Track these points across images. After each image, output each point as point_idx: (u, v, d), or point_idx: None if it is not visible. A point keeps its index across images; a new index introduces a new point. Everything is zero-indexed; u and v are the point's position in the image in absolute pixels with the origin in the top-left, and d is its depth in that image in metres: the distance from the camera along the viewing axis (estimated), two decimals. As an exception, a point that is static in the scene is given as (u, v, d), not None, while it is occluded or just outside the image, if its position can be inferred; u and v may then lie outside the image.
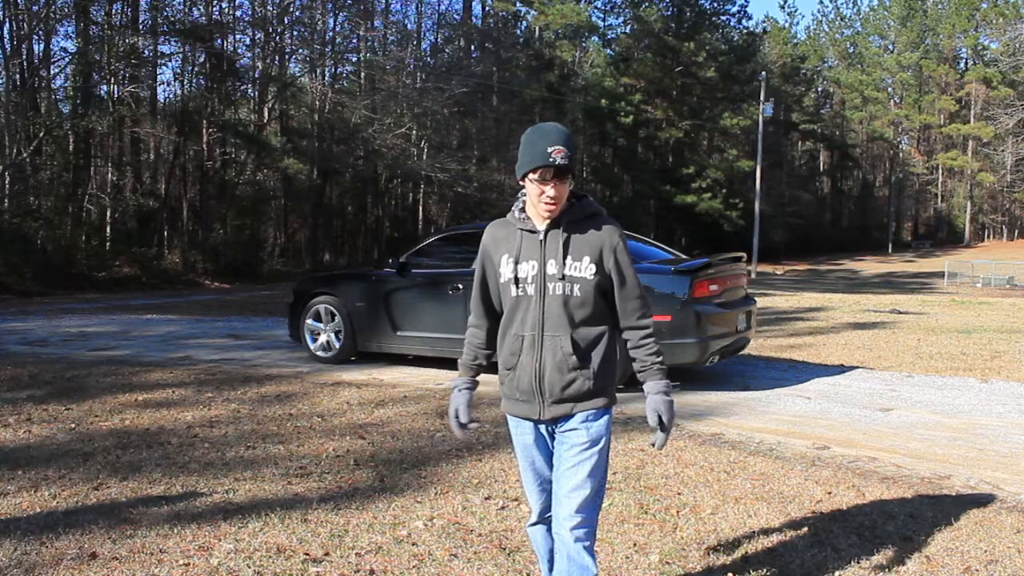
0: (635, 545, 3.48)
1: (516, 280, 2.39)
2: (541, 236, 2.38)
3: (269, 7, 29.59)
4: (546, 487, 2.48)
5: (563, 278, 2.35)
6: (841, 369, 8.25)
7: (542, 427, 2.46)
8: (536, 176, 2.30)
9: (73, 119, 24.20)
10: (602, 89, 43.10)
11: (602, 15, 48.10)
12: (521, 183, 2.37)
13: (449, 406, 2.54)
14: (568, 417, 2.40)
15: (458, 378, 2.58)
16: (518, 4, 41.28)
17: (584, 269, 2.36)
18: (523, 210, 2.44)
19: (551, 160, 2.26)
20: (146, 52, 26.51)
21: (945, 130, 61.48)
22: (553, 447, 2.46)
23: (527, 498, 2.56)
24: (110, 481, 4.28)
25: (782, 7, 77.42)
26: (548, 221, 2.38)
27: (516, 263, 2.39)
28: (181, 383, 7.06)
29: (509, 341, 2.43)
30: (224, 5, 29.50)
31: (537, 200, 2.34)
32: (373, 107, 30.71)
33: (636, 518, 3.80)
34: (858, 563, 3.32)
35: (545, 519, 2.53)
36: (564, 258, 2.36)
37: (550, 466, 2.46)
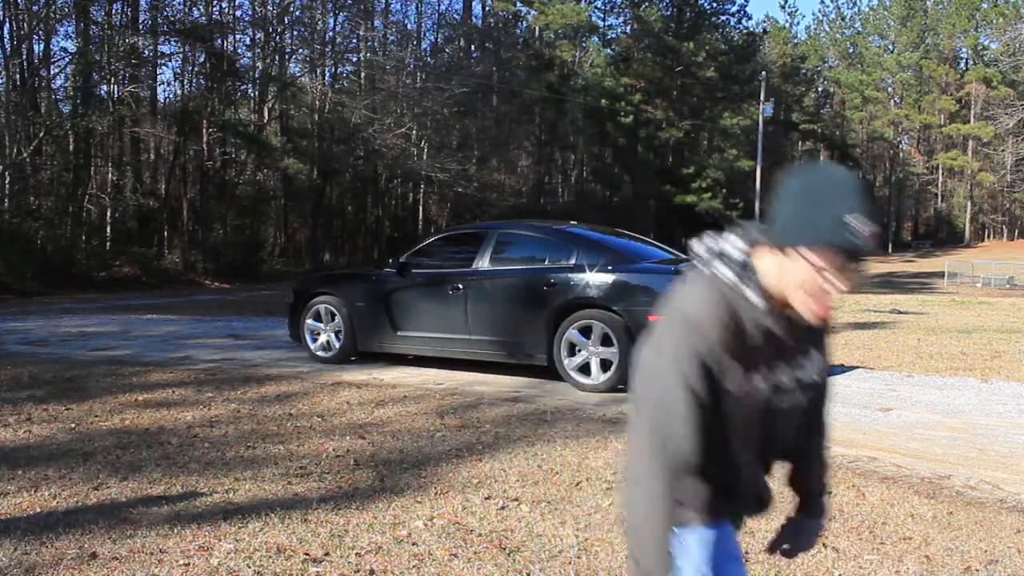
0: (635, 545, 3.48)
1: (773, 389, 1.59)
2: (790, 334, 1.59)
3: (269, 7, 29.60)
4: None
5: (812, 386, 1.68)
6: (841, 369, 8.24)
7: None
8: (818, 258, 1.45)
9: (73, 119, 24.21)
10: (602, 89, 43.09)
11: (602, 15, 48.11)
12: (785, 252, 1.48)
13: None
14: None
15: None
16: (518, 4, 41.28)
17: (819, 380, 1.71)
18: (763, 292, 1.53)
19: (864, 246, 1.42)
20: (146, 52, 26.52)
21: (945, 130, 61.48)
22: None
23: None
24: (110, 481, 4.28)
25: (782, 7, 77.51)
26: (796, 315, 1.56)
27: (769, 369, 1.58)
28: (181, 383, 7.05)
29: (736, 469, 1.64)
30: (224, 5, 29.53)
31: (802, 288, 1.49)
32: (373, 107, 30.72)
33: (636, 518, 3.80)
34: (858, 563, 3.32)
35: None
36: (814, 360, 1.67)
37: None
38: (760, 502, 1.75)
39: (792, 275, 1.49)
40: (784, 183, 1.49)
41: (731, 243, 1.57)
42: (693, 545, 1.64)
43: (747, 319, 1.52)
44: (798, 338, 1.60)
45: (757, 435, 1.62)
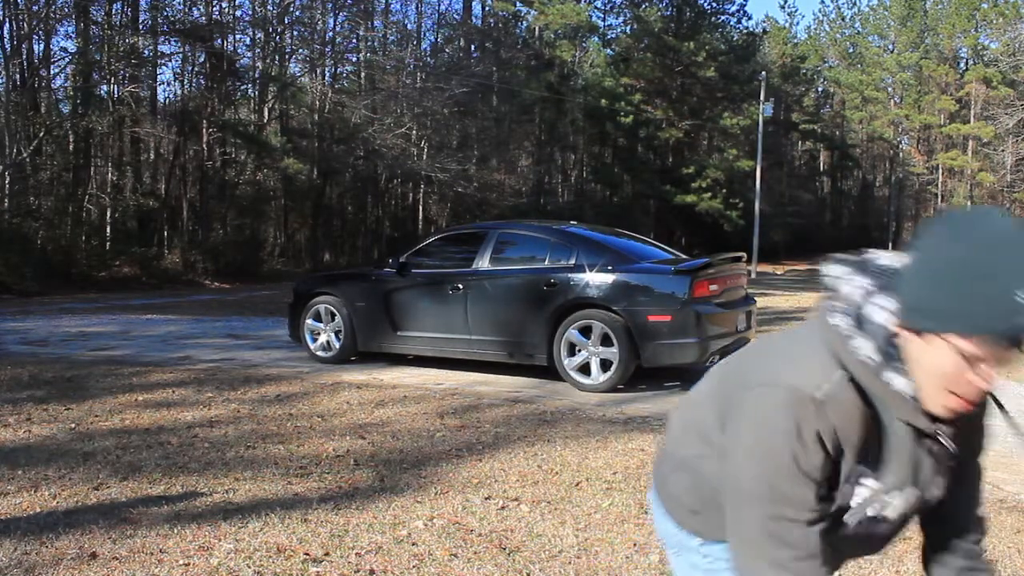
0: (635, 545, 3.48)
1: (873, 518, 1.27)
2: (940, 441, 1.26)
3: (269, 7, 29.59)
4: None
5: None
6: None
7: None
8: (989, 351, 1.11)
9: (73, 119, 24.20)
10: (602, 89, 43.08)
11: (602, 15, 48.08)
12: (923, 336, 1.14)
13: None
14: None
15: None
16: (518, 4, 41.26)
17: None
18: (910, 382, 1.18)
19: None
20: (146, 52, 26.49)
21: (945, 130, 61.45)
22: None
23: None
24: (110, 481, 4.28)
25: (782, 7, 77.48)
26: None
27: (883, 486, 1.25)
28: (181, 383, 7.05)
29: None
30: (224, 5, 29.50)
31: (958, 386, 1.15)
32: (373, 107, 30.71)
33: (636, 518, 3.80)
34: (857, 563, 3.32)
35: None
36: (948, 472, 1.32)
37: None
38: None
39: (933, 367, 1.13)
40: (928, 240, 1.13)
41: (880, 304, 1.17)
42: None
43: (883, 417, 1.19)
44: (939, 449, 1.27)
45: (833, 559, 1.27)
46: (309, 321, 8.35)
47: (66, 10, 23.94)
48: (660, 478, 1.54)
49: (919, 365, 1.15)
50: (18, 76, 23.24)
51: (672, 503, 1.50)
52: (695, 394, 1.46)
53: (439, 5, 44.45)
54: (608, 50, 47.47)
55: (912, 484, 1.25)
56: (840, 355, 1.16)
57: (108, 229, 25.40)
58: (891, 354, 1.15)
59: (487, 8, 41.99)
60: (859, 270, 1.19)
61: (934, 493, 1.30)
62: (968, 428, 1.31)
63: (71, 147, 24.58)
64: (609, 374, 6.76)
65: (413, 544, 3.46)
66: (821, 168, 65.00)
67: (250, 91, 30.78)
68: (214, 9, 28.54)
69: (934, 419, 1.20)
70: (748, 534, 1.23)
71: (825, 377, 1.16)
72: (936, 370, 1.13)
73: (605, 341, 6.79)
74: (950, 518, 1.39)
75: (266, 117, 30.46)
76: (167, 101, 32.40)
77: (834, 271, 1.20)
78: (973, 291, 1.06)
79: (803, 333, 1.23)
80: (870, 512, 1.24)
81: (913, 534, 3.52)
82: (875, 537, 1.30)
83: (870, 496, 1.23)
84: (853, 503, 1.23)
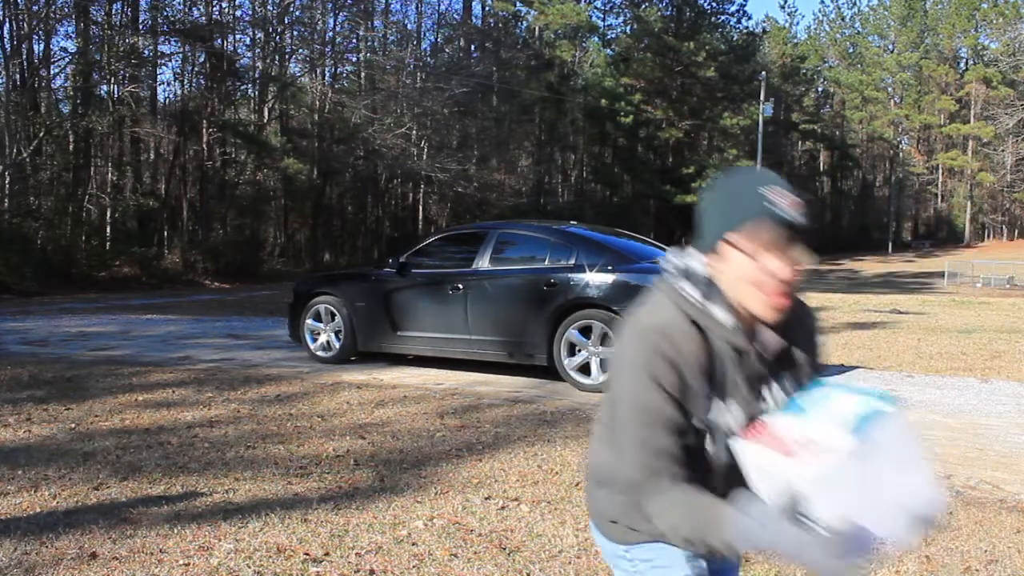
0: (635, 545, 3.48)
1: (722, 431, 1.47)
2: (760, 352, 1.48)
3: (269, 7, 29.61)
4: None
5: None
6: (841, 369, 8.24)
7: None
8: (746, 239, 1.39)
9: (73, 119, 24.22)
10: (602, 89, 43.11)
11: (602, 15, 48.14)
12: (717, 255, 1.44)
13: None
14: None
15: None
16: (518, 4, 41.29)
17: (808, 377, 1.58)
18: (733, 310, 1.44)
19: (777, 213, 1.37)
20: (146, 52, 26.51)
21: (945, 130, 61.48)
22: None
23: None
24: (110, 481, 4.28)
25: (782, 7, 77.53)
26: (774, 335, 1.49)
27: (720, 400, 1.46)
28: (181, 383, 7.05)
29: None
30: (224, 5, 29.53)
31: (756, 279, 1.40)
32: (373, 107, 30.72)
33: (636, 518, 3.80)
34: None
35: None
36: (790, 374, 1.53)
37: None
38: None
39: (733, 272, 1.41)
40: (706, 194, 1.48)
41: (697, 259, 1.47)
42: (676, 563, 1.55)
43: (716, 341, 1.44)
44: (771, 364, 1.49)
45: (710, 485, 1.45)
46: (309, 321, 8.36)
47: (66, 10, 23.95)
48: (588, 498, 1.68)
49: (728, 280, 1.43)
50: (18, 76, 23.25)
51: (599, 518, 1.64)
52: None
53: (439, 5, 44.54)
54: (608, 50, 47.49)
55: (751, 399, 1.47)
56: (675, 299, 1.47)
57: (108, 229, 25.41)
58: (710, 292, 1.44)
59: (487, 8, 42.03)
60: (680, 252, 1.53)
61: (773, 400, 1.49)
62: (798, 341, 1.54)
63: (71, 147, 24.59)
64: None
65: (413, 544, 3.46)
66: (821, 168, 64.99)
67: (250, 91, 30.80)
68: (214, 9, 28.56)
69: (753, 338, 1.47)
70: (622, 444, 1.47)
71: (666, 313, 1.45)
72: (738, 274, 1.41)
73: (605, 341, 6.79)
74: None
75: (266, 117, 30.47)
76: (167, 101, 32.45)
77: (668, 257, 1.53)
78: (731, 201, 1.41)
79: (654, 296, 1.52)
80: (723, 426, 1.45)
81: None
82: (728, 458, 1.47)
83: (720, 413, 1.45)
84: (710, 421, 1.44)
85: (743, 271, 1.40)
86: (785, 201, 1.38)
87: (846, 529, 1.20)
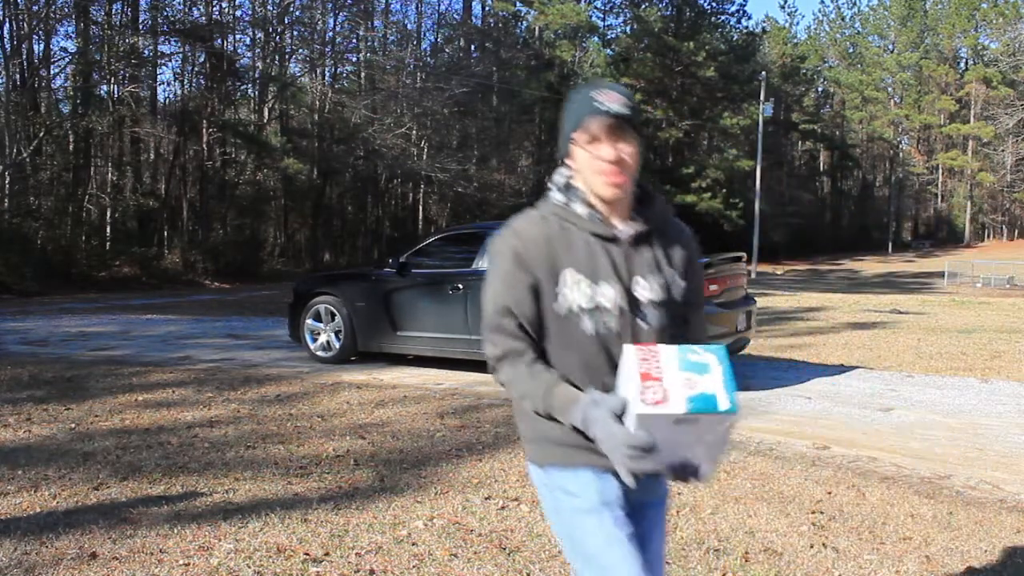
0: (635, 545, 3.48)
1: (596, 310, 1.68)
2: (624, 243, 1.72)
3: (269, 7, 29.59)
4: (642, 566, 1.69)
5: (667, 304, 1.75)
6: (841, 369, 8.25)
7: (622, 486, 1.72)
8: (582, 135, 1.68)
9: (73, 119, 24.20)
10: (602, 89, 43.03)
11: (602, 15, 48.13)
12: (572, 160, 1.73)
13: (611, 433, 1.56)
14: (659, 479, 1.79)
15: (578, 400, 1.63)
16: (518, 4, 41.27)
17: (678, 294, 1.78)
18: (589, 204, 1.72)
19: (601, 107, 1.65)
20: (146, 52, 26.49)
21: (945, 130, 61.47)
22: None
23: None
24: (110, 481, 4.28)
25: (782, 7, 77.48)
26: (628, 224, 1.73)
27: (593, 285, 1.69)
28: (181, 383, 7.06)
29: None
30: (224, 5, 29.51)
31: (595, 171, 1.68)
32: (373, 107, 30.71)
33: (636, 518, 3.80)
34: (858, 563, 3.32)
35: None
36: (667, 272, 1.76)
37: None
38: None
39: (580, 166, 1.71)
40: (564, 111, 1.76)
41: (561, 171, 1.79)
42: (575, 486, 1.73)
43: (573, 234, 1.71)
44: (636, 248, 1.74)
45: (596, 361, 1.69)
46: (309, 321, 8.36)
47: (66, 10, 23.93)
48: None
49: (580, 174, 1.72)
50: (18, 76, 23.24)
51: (523, 444, 1.86)
52: None
53: (439, 5, 44.53)
54: (608, 50, 47.46)
55: (615, 280, 1.70)
56: (542, 207, 1.77)
57: (108, 229, 25.40)
58: (569, 193, 1.74)
59: (487, 8, 42.01)
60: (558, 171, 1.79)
61: (647, 294, 1.73)
62: (665, 247, 1.78)
63: (71, 147, 24.57)
64: (609, 374, 6.76)
65: (413, 544, 3.46)
66: (821, 168, 64.96)
67: (250, 91, 30.78)
68: (214, 9, 28.54)
69: (630, 242, 1.73)
70: (484, 322, 1.73)
71: (524, 219, 1.76)
72: (584, 165, 1.70)
73: (605, 341, 6.79)
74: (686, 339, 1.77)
75: (266, 117, 30.45)
76: (167, 101, 32.43)
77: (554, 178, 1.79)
78: (570, 109, 1.71)
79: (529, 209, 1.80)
80: (591, 304, 1.68)
81: (913, 535, 3.51)
82: (612, 334, 1.69)
83: (589, 293, 1.68)
84: (579, 302, 1.68)
85: (584, 162, 1.69)
86: (608, 98, 1.66)
87: (644, 447, 1.53)
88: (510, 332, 1.69)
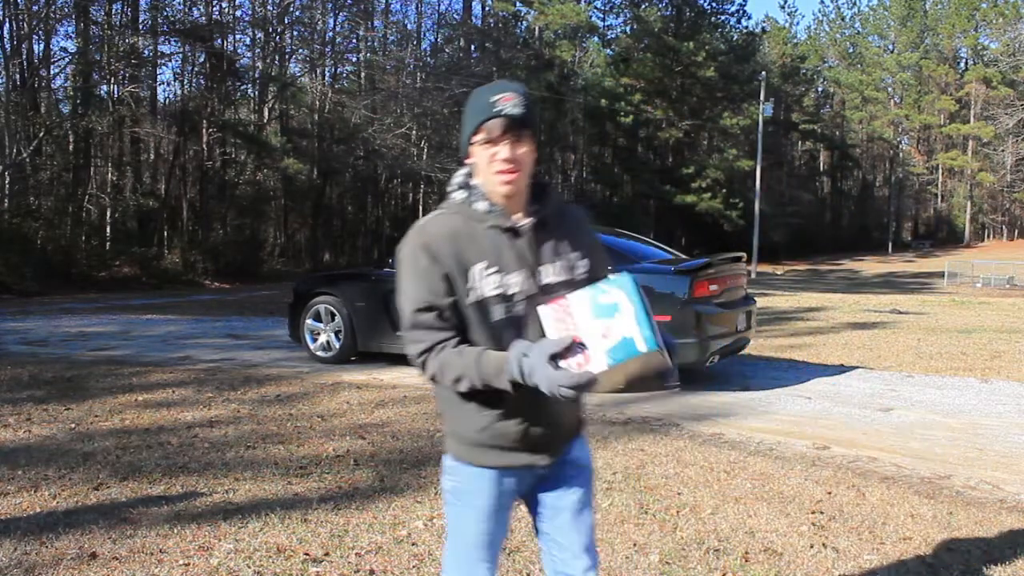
0: (635, 545, 3.48)
1: (507, 297, 1.80)
2: (525, 234, 1.84)
3: (269, 7, 29.59)
4: (494, 559, 1.98)
5: (571, 285, 1.86)
6: (841, 369, 8.25)
7: (527, 477, 1.94)
8: (480, 136, 1.77)
9: (73, 119, 24.21)
10: (602, 89, 43.11)
11: (602, 15, 48.15)
12: (471, 155, 1.83)
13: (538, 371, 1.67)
14: (569, 448, 1.98)
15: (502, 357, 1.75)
16: (518, 4, 41.29)
17: (581, 272, 1.91)
18: (488, 200, 1.83)
19: (496, 110, 1.75)
20: (146, 52, 26.49)
21: (945, 130, 61.48)
22: (533, 496, 2.00)
23: None
24: (110, 481, 4.28)
25: (782, 7, 77.55)
26: (527, 216, 1.85)
27: (501, 273, 1.81)
28: (181, 383, 7.06)
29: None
30: (224, 5, 29.52)
31: (488, 171, 1.79)
32: (373, 107, 30.71)
33: (636, 518, 3.80)
34: (858, 563, 3.32)
35: None
36: (566, 258, 1.89)
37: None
38: (528, 436, 1.86)
39: (479, 166, 1.81)
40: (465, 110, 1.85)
41: (459, 175, 1.89)
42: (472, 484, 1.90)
43: (476, 228, 1.81)
44: (536, 238, 1.85)
45: (509, 341, 1.77)
46: (309, 321, 8.36)
47: (66, 10, 23.94)
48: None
49: (479, 174, 1.82)
50: (18, 76, 23.24)
51: (445, 438, 1.96)
52: None
53: (439, 5, 44.53)
54: (608, 50, 47.48)
55: (521, 268, 1.82)
56: (446, 206, 1.86)
57: (108, 229, 25.40)
58: (470, 191, 1.84)
59: (487, 8, 42.02)
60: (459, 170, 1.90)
61: (549, 277, 1.85)
62: (545, 232, 1.87)
63: (71, 147, 24.57)
64: (609, 374, 6.75)
65: (413, 544, 3.46)
66: (821, 168, 64.96)
67: (250, 91, 30.78)
68: (214, 9, 28.55)
69: (529, 235, 1.84)
70: (404, 324, 1.83)
71: (429, 219, 1.85)
72: (482, 166, 1.79)
73: (605, 341, 6.78)
74: None
75: (266, 117, 30.46)
76: (167, 101, 32.43)
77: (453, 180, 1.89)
78: (469, 111, 1.80)
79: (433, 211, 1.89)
80: (501, 292, 1.79)
81: (913, 535, 3.51)
82: (521, 317, 1.81)
83: (497, 282, 1.79)
84: (489, 291, 1.79)
85: (482, 162, 1.79)
86: (504, 99, 1.76)
87: (585, 383, 1.64)
88: (431, 325, 1.79)
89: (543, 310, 1.74)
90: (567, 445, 1.96)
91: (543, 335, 1.73)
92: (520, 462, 1.88)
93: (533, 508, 2.02)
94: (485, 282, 1.79)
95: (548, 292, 1.82)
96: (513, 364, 1.69)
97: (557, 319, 1.69)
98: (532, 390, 1.69)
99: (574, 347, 1.65)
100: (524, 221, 1.84)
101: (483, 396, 1.80)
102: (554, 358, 1.65)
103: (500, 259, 1.81)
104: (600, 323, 1.65)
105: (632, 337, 1.62)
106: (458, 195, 1.86)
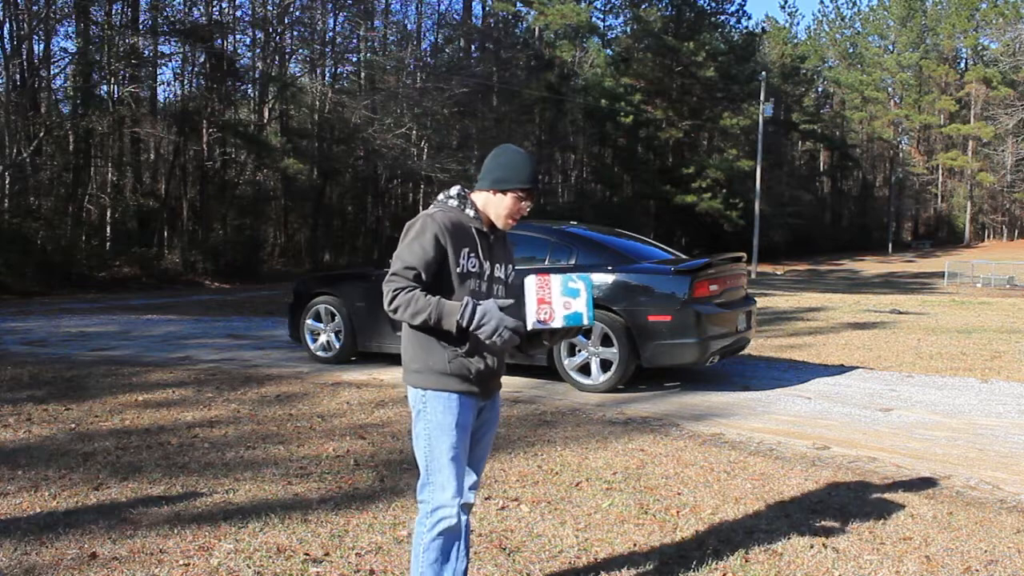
0: (635, 545, 3.48)
1: (479, 275, 2.60)
2: (492, 240, 2.66)
3: (269, 7, 29.57)
4: (464, 465, 2.68)
5: (504, 282, 2.69)
6: (841, 369, 8.25)
7: (473, 408, 2.65)
8: (520, 195, 2.60)
9: (73, 119, 24.20)
10: (602, 89, 43.07)
11: (602, 15, 48.12)
12: (492, 193, 2.61)
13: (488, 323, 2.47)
14: (495, 398, 2.77)
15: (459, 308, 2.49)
16: (518, 4, 41.25)
17: (510, 273, 2.73)
18: (476, 212, 2.63)
19: (535, 183, 2.60)
20: (146, 52, 26.48)
21: (945, 130, 61.50)
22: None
23: (450, 481, 2.65)
24: (110, 481, 4.28)
25: (782, 7, 77.62)
26: (491, 231, 2.66)
27: (479, 260, 2.60)
28: (181, 383, 7.06)
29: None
30: (224, 5, 29.50)
31: (507, 213, 2.61)
32: (373, 107, 30.70)
33: (636, 518, 3.81)
34: (858, 563, 3.32)
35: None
36: (506, 265, 2.70)
37: None
38: (480, 374, 2.59)
39: (497, 205, 2.62)
40: (496, 155, 2.64)
41: (455, 190, 2.68)
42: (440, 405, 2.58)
43: (467, 227, 2.59)
44: (496, 246, 2.67)
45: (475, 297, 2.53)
46: (309, 321, 8.35)
47: (66, 10, 23.93)
48: (403, 359, 2.66)
49: (487, 205, 2.64)
50: (18, 76, 23.24)
51: (406, 372, 2.63)
52: None
53: (439, 5, 44.50)
54: (608, 50, 47.43)
55: (488, 260, 2.63)
56: (445, 208, 2.62)
57: (108, 229, 25.39)
58: (465, 203, 2.63)
59: (487, 8, 41.98)
60: (455, 188, 2.71)
61: (498, 272, 2.67)
62: (499, 244, 2.70)
63: (71, 147, 24.56)
64: (609, 374, 6.76)
65: (413, 544, 3.46)
66: (821, 168, 64.95)
67: (250, 91, 30.77)
68: (214, 9, 28.53)
69: (492, 238, 2.66)
70: (390, 273, 2.52)
71: (438, 211, 2.60)
72: (503, 208, 2.62)
73: (605, 341, 6.79)
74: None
75: (266, 117, 30.45)
76: (167, 101, 32.38)
77: (447, 191, 2.70)
78: (511, 167, 2.60)
79: (434, 208, 2.65)
80: (476, 271, 2.58)
81: (913, 535, 3.50)
82: (482, 293, 2.59)
83: (475, 264, 2.59)
84: (471, 268, 2.57)
85: (500, 203, 2.61)
86: (535, 171, 2.63)
87: (518, 330, 2.52)
88: (409, 279, 2.49)
89: (530, 279, 2.51)
90: (496, 393, 2.73)
91: (505, 298, 2.62)
92: (474, 391, 2.58)
93: None
94: (468, 262, 2.57)
95: (495, 282, 2.66)
96: (467, 310, 2.42)
97: (539, 287, 2.48)
98: (473, 337, 2.49)
99: (545, 307, 2.48)
100: (493, 232, 2.66)
101: (449, 337, 2.51)
102: (502, 309, 2.46)
103: (478, 250, 2.60)
104: (565, 299, 2.48)
105: (582, 313, 2.49)
106: (453, 202, 2.63)
